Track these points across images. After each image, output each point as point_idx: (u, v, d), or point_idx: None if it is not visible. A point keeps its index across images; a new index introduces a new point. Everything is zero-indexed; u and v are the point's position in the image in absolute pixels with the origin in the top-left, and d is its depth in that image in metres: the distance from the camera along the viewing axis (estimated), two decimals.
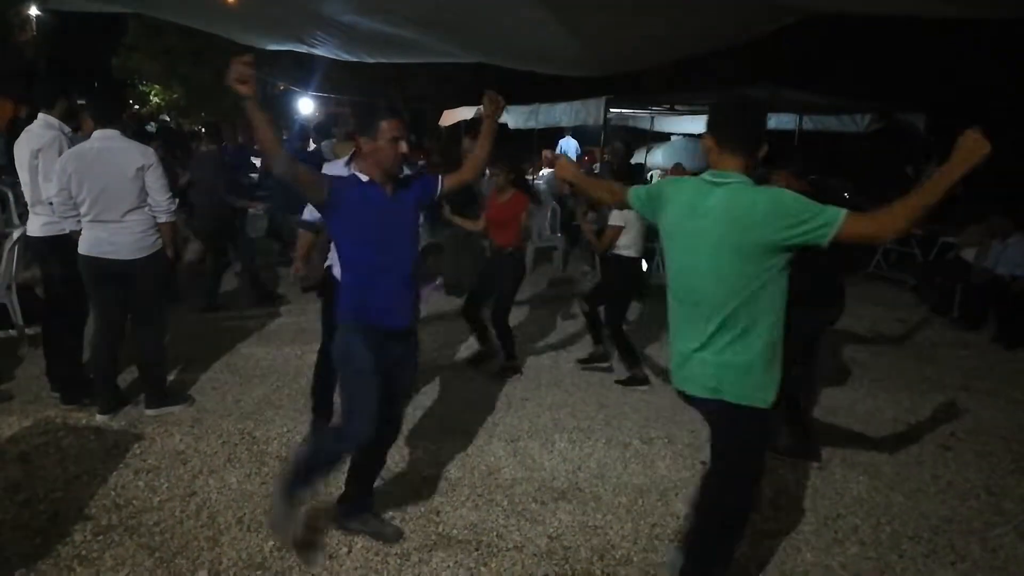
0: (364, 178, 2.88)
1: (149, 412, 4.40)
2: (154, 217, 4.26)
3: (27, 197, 4.43)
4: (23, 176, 4.38)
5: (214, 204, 6.74)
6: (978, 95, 13.27)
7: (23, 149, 4.33)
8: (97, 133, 4.13)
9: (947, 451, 4.30)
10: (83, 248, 4.15)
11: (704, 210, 2.39)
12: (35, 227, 4.41)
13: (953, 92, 13.62)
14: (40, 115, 4.39)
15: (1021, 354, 6.28)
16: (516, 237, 5.14)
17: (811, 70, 15.16)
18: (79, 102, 4.78)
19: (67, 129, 4.41)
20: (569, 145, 13.97)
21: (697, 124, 14.69)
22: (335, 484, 3.36)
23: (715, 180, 2.43)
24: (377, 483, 3.54)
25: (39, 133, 4.31)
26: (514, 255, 5.19)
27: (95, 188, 4.03)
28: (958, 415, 4.83)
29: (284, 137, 10.82)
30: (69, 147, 4.21)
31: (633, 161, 16.07)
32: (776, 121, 12.98)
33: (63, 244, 4.27)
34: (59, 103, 4.38)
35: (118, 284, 4.21)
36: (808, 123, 12.39)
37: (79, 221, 4.15)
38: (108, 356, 4.35)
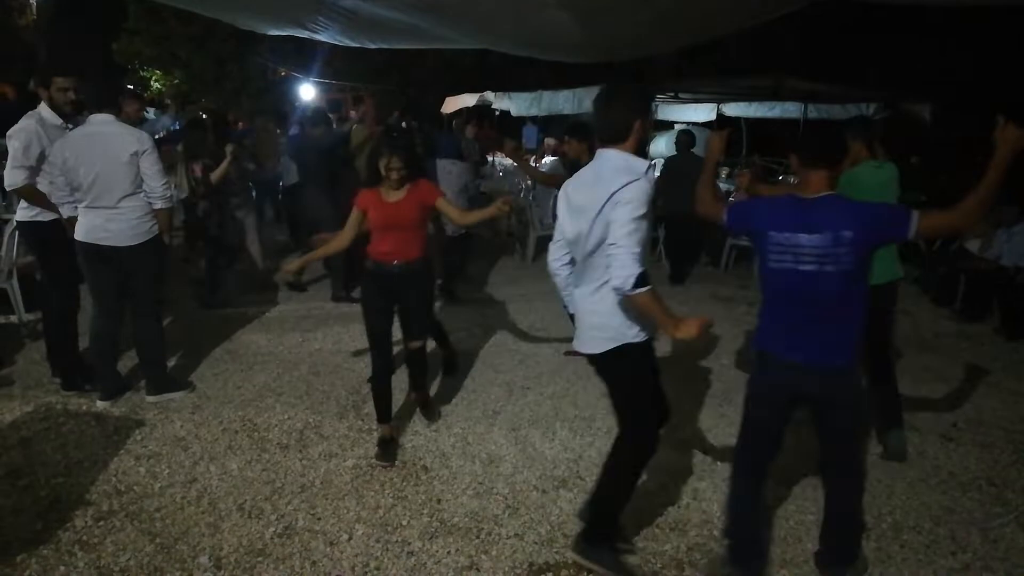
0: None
1: (150, 399, 4.40)
2: (150, 203, 4.24)
3: None
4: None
5: (324, 192, 6.62)
6: (985, 84, 13.18)
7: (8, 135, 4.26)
8: (92, 118, 4.10)
9: (949, 442, 4.29)
10: (79, 234, 4.14)
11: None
12: (21, 213, 4.38)
13: (959, 82, 13.54)
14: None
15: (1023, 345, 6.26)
16: (423, 243, 3.89)
17: (817, 58, 15.06)
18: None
19: (49, 116, 4.27)
20: (530, 132, 13.92)
21: (701, 112, 14.62)
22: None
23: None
24: (376, 473, 3.55)
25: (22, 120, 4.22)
26: (424, 267, 3.92)
27: (90, 174, 4.01)
28: (960, 406, 4.81)
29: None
30: (46, 135, 4.17)
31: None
32: (781, 110, 12.94)
33: (40, 229, 4.27)
34: (42, 93, 4.30)
35: (115, 270, 4.20)
36: (813, 111, 12.34)
37: (75, 207, 4.14)
38: (108, 342, 4.35)
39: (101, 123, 4.09)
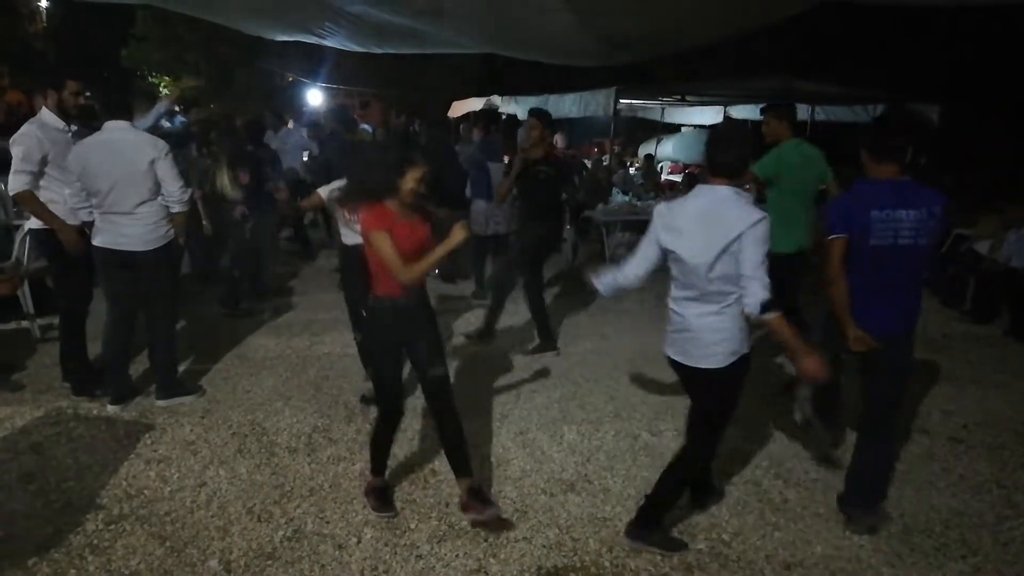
0: None
1: (160, 403, 4.43)
2: (167, 207, 4.27)
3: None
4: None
5: (462, 196, 6.67)
6: (993, 85, 13.12)
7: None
8: (108, 125, 4.13)
9: (958, 444, 4.27)
10: (97, 240, 4.19)
11: None
12: (35, 220, 4.38)
13: (967, 82, 13.48)
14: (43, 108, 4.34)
15: None
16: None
17: (823, 60, 15.03)
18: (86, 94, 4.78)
19: (50, 120, 4.31)
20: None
21: (708, 115, 14.60)
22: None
23: None
24: (387, 475, 3.55)
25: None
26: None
27: (108, 181, 4.05)
28: (969, 408, 4.79)
29: (289, 126, 10.74)
30: (47, 139, 4.21)
31: (643, 153, 16.05)
32: None
33: (53, 235, 4.28)
34: (51, 95, 4.32)
35: (131, 275, 4.24)
36: (820, 114, 12.31)
37: (91, 212, 4.19)
38: (120, 346, 4.38)
39: (117, 130, 4.12)
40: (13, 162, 4.17)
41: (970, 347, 6.13)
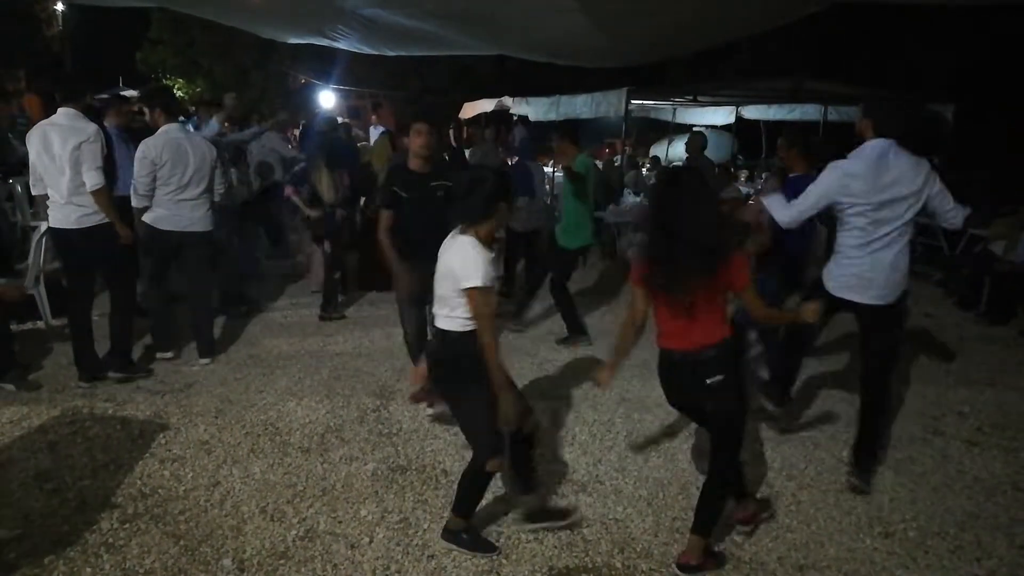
0: None
1: (203, 360, 5.14)
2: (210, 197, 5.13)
3: (60, 190, 4.47)
4: (59, 169, 4.42)
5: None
6: (1009, 83, 13.00)
7: (59, 143, 4.39)
8: (172, 127, 4.89)
9: (973, 446, 4.24)
10: (163, 224, 4.90)
11: None
12: (71, 219, 4.48)
13: (983, 80, 13.37)
14: (66, 109, 4.46)
15: None
16: None
17: (836, 60, 14.94)
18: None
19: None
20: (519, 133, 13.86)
21: (720, 115, 14.54)
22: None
23: None
24: (396, 476, 3.56)
25: (78, 127, 4.43)
26: None
27: (188, 172, 4.85)
28: (984, 410, 4.75)
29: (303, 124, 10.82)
30: (106, 138, 4.64)
31: (652, 153, 16.00)
32: (800, 112, 12.81)
33: (100, 233, 4.55)
34: (85, 98, 4.75)
35: (177, 254, 5.05)
36: (833, 114, 12.22)
37: (151, 198, 4.87)
38: (165, 314, 5.27)
39: (182, 131, 5.03)
40: (95, 161, 4.46)
41: (985, 348, 6.08)
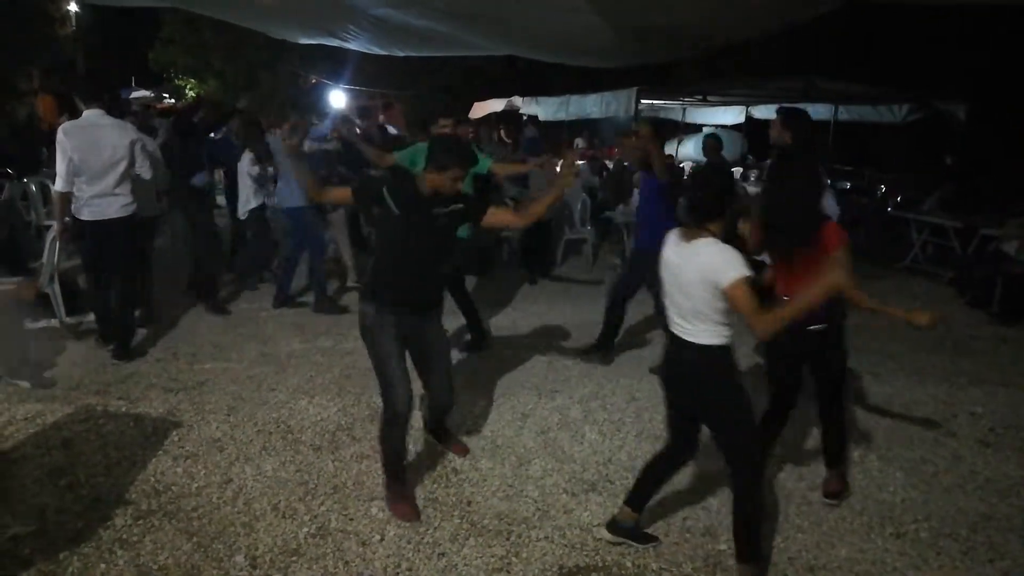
0: None
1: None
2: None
3: (107, 183, 4.88)
4: (110, 164, 4.86)
5: None
6: (1021, 85, 12.90)
7: (115, 139, 4.89)
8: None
9: (986, 447, 4.22)
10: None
11: None
12: (113, 207, 4.95)
13: (995, 80, 13.27)
14: (94, 110, 4.90)
15: None
16: None
17: (847, 59, 14.86)
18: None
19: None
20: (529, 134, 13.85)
21: (730, 115, 14.50)
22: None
23: None
24: (409, 474, 3.58)
25: (123, 125, 5.08)
26: None
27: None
28: (997, 410, 4.73)
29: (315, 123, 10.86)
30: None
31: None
32: (812, 112, 12.75)
33: (134, 221, 5.08)
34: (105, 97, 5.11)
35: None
36: (844, 113, 12.18)
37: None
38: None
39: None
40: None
41: (998, 349, 6.05)
